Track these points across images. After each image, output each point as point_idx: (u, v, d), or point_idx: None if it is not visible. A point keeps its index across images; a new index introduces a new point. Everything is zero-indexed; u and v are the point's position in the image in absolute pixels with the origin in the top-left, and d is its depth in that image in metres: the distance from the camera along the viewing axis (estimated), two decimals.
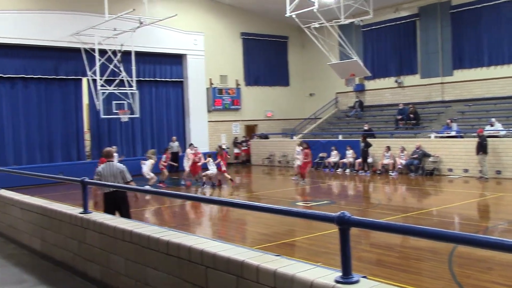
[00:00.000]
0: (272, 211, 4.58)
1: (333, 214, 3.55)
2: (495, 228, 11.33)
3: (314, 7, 20.92)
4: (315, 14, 21.60)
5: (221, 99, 29.44)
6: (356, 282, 3.43)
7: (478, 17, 24.56)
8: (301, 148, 20.13)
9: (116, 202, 9.08)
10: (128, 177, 9.20)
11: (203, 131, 28.41)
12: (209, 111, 28.93)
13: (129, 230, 5.51)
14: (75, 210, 7.01)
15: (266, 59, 31.35)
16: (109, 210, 8.81)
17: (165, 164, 19.98)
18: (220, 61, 29.34)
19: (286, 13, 22.04)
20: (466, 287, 7.09)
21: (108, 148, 10.11)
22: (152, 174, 18.63)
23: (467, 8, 24.88)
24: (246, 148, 29.50)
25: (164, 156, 20.30)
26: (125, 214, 9.04)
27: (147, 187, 15.98)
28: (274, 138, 29.71)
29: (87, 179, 7.02)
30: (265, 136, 29.81)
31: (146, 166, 18.77)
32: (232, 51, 30.16)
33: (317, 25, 23.30)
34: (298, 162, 20.15)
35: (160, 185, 19.12)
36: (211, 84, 29.07)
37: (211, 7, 29.17)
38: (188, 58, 27.91)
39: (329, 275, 3.56)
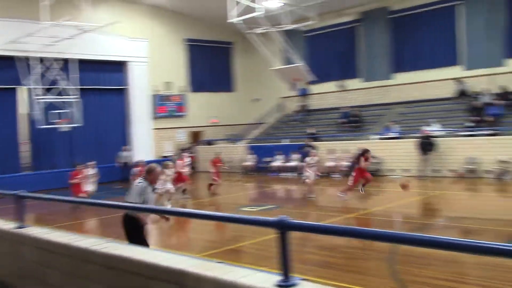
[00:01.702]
0: (212, 218, 4.55)
1: (272, 218, 3.56)
2: (436, 225, 11.72)
3: (257, 13, 21.07)
4: (260, 19, 21.77)
5: (166, 106, 29.14)
6: (295, 284, 3.45)
7: (416, 22, 25.54)
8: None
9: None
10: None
11: (147, 139, 28.00)
12: (153, 119, 28.56)
13: (66, 243, 5.33)
14: (9, 225, 6.71)
15: (211, 65, 31.31)
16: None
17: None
18: (164, 67, 29.06)
19: (230, 19, 22.07)
20: (408, 283, 7.30)
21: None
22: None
23: (406, 13, 25.84)
24: (192, 155, 29.25)
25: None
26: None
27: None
28: (220, 144, 29.64)
29: (22, 193, 6.73)
30: (209, 143, 29.68)
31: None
32: (176, 57, 29.94)
33: (261, 31, 23.49)
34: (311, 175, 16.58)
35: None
36: (156, 91, 28.72)
37: (154, 13, 28.85)
38: (132, 65, 27.50)
39: (270, 279, 3.57)
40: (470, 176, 19.32)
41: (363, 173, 15.20)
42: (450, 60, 24.57)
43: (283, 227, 3.50)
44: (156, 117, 28.63)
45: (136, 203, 7.06)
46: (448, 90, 24.12)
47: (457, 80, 23.77)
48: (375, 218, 12.79)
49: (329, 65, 28.89)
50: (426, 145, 19.95)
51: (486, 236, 10.55)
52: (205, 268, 3.95)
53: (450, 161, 20.07)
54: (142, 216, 7.21)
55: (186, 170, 17.65)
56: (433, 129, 21.12)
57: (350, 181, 15.25)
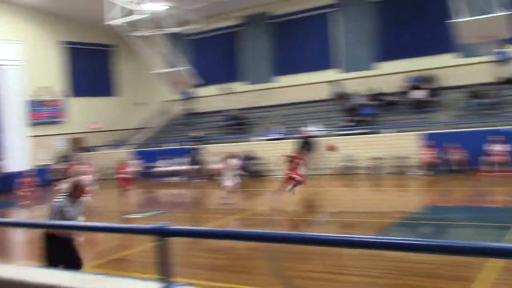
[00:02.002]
0: (85, 229, 4.39)
1: (150, 226, 3.52)
2: (318, 221, 12.30)
3: (140, 15, 20.66)
4: (143, 22, 21.36)
5: (44, 112, 27.50)
6: None
7: (295, 27, 26.65)
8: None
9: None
10: None
11: (23, 147, 26.20)
12: (29, 125, 26.80)
13: None
14: None
15: (92, 68, 30.12)
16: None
17: None
18: (41, 71, 27.40)
19: (108, 21, 21.40)
20: (292, 279, 7.58)
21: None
22: None
23: (286, 18, 26.87)
24: (75, 162, 27.84)
25: None
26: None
27: None
28: (105, 150, 28.55)
29: None
30: (87, 149, 28.42)
31: None
32: (54, 61, 28.41)
33: (142, 34, 23.05)
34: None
35: None
36: (32, 96, 26.98)
37: (28, 14, 27.12)
38: (4, 69, 25.57)
39: (151, 287, 3.52)
40: (347, 172, 20.54)
41: (293, 176, 15.07)
42: (327, 63, 25.96)
43: (162, 234, 3.48)
44: (33, 124, 26.88)
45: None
46: (326, 92, 25.44)
47: (333, 82, 25.18)
48: (260, 217, 13.12)
49: (214, 69, 29.10)
50: (306, 145, 20.87)
51: (364, 228, 11.30)
52: (84, 281, 3.80)
53: (329, 159, 21.17)
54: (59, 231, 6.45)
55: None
56: (312, 129, 22.17)
57: (283, 182, 15.26)
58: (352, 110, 22.61)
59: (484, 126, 18.94)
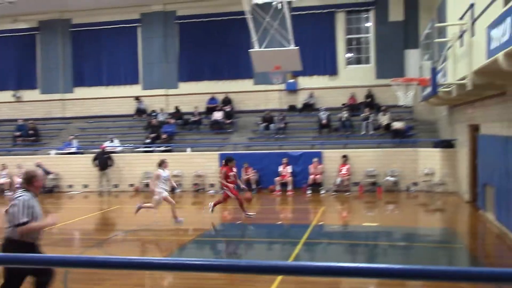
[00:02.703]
0: None
1: None
2: (114, 239, 11.97)
3: None
4: None
5: None
6: None
7: (98, 38, 25.75)
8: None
9: None
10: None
11: None
12: None
13: None
14: None
15: None
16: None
17: None
18: None
19: None
20: None
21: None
22: None
23: (88, 28, 25.74)
24: None
25: None
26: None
27: None
28: None
29: None
30: None
31: None
32: None
33: None
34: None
35: None
36: None
37: None
38: None
39: None
40: (148, 190, 20.44)
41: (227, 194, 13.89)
42: (131, 78, 25.62)
43: None
44: None
45: (24, 221, 5.69)
46: (129, 108, 25.12)
47: (136, 98, 24.98)
48: (54, 236, 12.27)
49: (5, 73, 26.55)
50: (105, 161, 20.27)
51: (162, 246, 11.35)
52: None
53: (129, 176, 20.85)
54: (34, 226, 5.79)
55: None
56: (112, 144, 21.63)
57: (222, 196, 14.20)
58: (154, 127, 22.67)
59: (275, 148, 20.69)
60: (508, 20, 7.04)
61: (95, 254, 10.15)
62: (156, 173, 12.96)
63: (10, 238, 5.79)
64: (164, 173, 12.98)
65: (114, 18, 25.34)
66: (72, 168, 21.18)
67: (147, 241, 11.95)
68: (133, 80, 25.63)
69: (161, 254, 10.37)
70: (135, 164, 20.94)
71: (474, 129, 14.77)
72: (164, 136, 22.26)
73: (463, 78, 10.81)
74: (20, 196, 5.87)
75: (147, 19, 25.24)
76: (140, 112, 24.90)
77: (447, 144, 18.28)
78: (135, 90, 25.51)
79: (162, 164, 13.05)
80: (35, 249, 5.91)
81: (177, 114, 23.85)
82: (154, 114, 24.16)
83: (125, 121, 24.82)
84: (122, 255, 10.07)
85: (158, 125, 22.83)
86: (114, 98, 25.52)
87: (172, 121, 23.17)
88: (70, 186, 20.98)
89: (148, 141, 22.20)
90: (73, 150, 21.94)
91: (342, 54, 23.61)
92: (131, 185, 20.80)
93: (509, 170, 10.58)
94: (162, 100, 24.96)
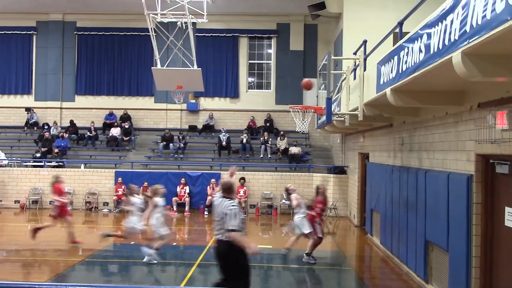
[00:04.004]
0: None
1: None
2: None
3: None
4: None
5: None
6: None
7: None
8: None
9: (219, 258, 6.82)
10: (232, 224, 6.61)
11: None
12: None
13: None
14: None
15: None
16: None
17: None
18: None
19: None
20: None
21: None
22: None
23: None
24: None
25: None
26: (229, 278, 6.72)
27: None
28: None
29: None
30: None
31: None
32: None
33: None
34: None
35: None
36: None
37: None
38: None
39: None
40: (34, 207, 19.27)
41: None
42: (23, 88, 24.20)
43: None
44: None
45: None
46: (19, 119, 23.68)
47: (28, 109, 23.59)
48: None
49: None
50: None
51: (48, 267, 10.72)
52: None
53: (14, 191, 19.54)
54: None
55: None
56: None
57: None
58: (46, 141, 21.47)
59: (174, 168, 20.45)
60: (395, 58, 7.62)
61: None
62: (153, 202, 10.88)
63: None
64: (161, 202, 11.05)
65: (8, 23, 23.86)
66: None
67: (31, 262, 11.22)
68: (25, 90, 24.22)
69: (46, 276, 9.77)
70: (22, 179, 19.66)
71: (365, 157, 15.68)
72: (56, 150, 21.16)
73: (355, 109, 11.48)
74: None
75: (44, 27, 24.09)
76: (31, 124, 23.52)
77: (340, 170, 19.20)
78: (27, 100, 24.11)
79: (156, 191, 11.06)
80: None
81: (72, 128, 22.82)
82: (46, 127, 22.91)
83: (13, 133, 23.32)
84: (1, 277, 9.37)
85: (51, 139, 21.67)
86: (3, 108, 23.94)
87: (66, 135, 22.12)
88: None
89: (38, 155, 20.97)
90: None
91: (244, 78, 24.08)
92: (17, 201, 19.47)
93: (393, 197, 11.33)
94: (56, 113, 23.81)
